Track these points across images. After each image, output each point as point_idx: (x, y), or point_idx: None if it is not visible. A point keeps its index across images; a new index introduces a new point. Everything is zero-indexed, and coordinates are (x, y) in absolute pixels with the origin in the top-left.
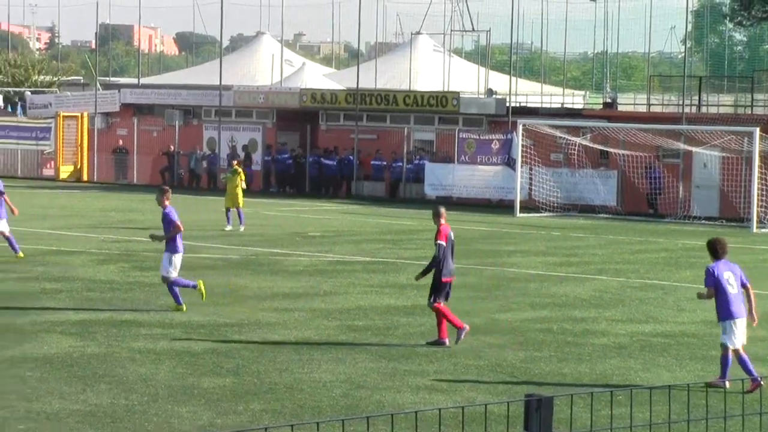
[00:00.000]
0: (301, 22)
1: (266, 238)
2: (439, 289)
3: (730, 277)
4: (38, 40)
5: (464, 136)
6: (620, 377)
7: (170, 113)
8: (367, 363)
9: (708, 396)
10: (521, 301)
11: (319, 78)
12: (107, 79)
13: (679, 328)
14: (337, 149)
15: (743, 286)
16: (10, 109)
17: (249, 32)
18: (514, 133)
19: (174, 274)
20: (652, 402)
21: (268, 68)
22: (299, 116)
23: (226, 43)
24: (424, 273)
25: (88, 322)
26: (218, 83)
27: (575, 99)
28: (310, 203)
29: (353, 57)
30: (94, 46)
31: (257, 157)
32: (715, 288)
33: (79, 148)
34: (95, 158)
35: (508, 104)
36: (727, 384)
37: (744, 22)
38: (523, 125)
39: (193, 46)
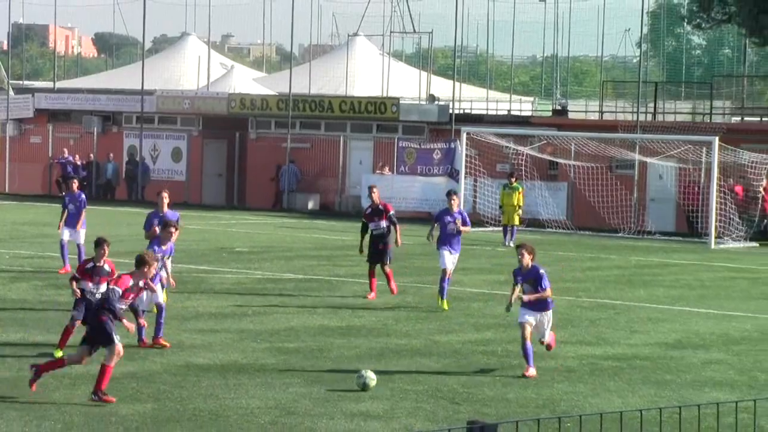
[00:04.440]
0: (229, 22)
1: (189, 254)
2: None
3: None
4: None
5: (404, 144)
6: (568, 403)
7: (88, 119)
8: (298, 388)
9: (662, 424)
10: (464, 321)
11: (248, 82)
12: (20, 83)
13: (632, 350)
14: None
15: None
16: None
17: (173, 33)
18: (458, 141)
19: None
20: (602, 429)
21: (193, 72)
22: (227, 123)
23: (148, 44)
24: None
25: None
26: (140, 87)
27: (523, 106)
28: (239, 215)
29: (285, 60)
30: (5, 47)
31: (181, 166)
32: None
33: None
34: (6, 168)
35: (451, 111)
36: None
37: (703, 25)
38: (467, 134)
39: (113, 48)
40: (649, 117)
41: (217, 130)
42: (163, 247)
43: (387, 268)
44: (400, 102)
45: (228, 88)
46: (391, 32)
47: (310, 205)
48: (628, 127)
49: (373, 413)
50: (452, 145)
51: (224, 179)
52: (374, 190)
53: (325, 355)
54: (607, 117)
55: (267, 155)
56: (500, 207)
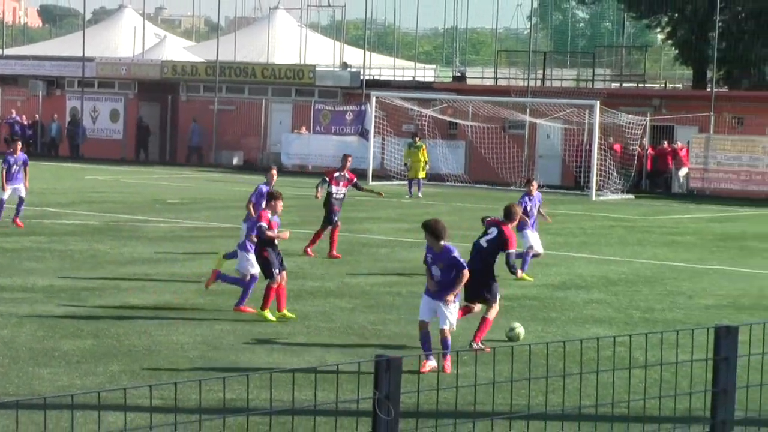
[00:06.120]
0: None
1: (126, 205)
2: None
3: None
4: None
5: (320, 107)
6: (465, 338)
7: (34, 84)
8: (223, 325)
9: (548, 356)
10: (372, 265)
11: (179, 51)
12: None
13: (521, 291)
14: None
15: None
16: None
17: (111, 5)
18: (368, 104)
19: None
20: (495, 361)
21: (129, 41)
22: (160, 87)
23: (88, 15)
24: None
25: None
26: (81, 55)
27: (426, 72)
28: (170, 171)
29: (213, 31)
30: None
31: (119, 126)
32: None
33: None
34: None
35: (362, 77)
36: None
37: (586, 1)
38: (376, 97)
39: (56, 19)
40: (539, 83)
41: (151, 93)
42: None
43: (336, 232)
44: (316, 69)
45: (161, 55)
46: (308, 6)
47: (235, 161)
48: (519, 92)
49: (290, 348)
50: (363, 108)
51: (157, 138)
52: (349, 159)
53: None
54: (501, 83)
55: (196, 116)
56: (405, 164)
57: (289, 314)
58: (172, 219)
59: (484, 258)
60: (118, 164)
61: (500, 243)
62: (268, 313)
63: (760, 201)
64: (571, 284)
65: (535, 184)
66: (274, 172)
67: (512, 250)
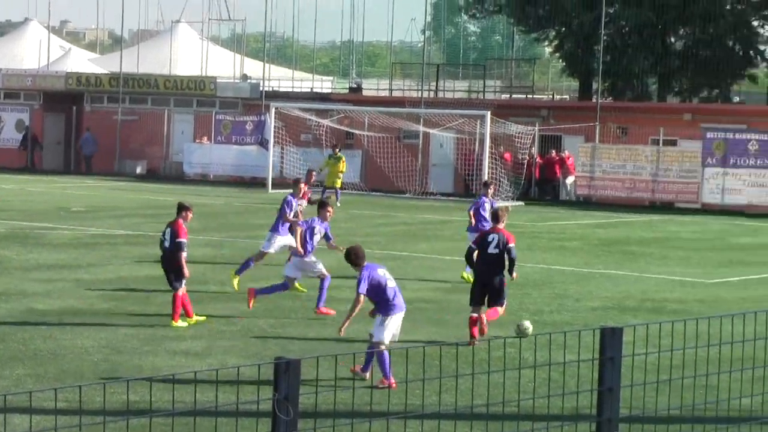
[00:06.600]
0: (66, 8)
1: (31, 213)
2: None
3: (385, 273)
4: None
5: (221, 117)
6: (363, 339)
7: None
8: (127, 329)
9: (441, 357)
10: (270, 271)
11: (84, 62)
12: None
13: (416, 294)
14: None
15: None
16: None
17: (17, 18)
18: (267, 115)
19: None
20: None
21: (35, 53)
22: (65, 98)
23: None
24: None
25: None
26: None
27: (324, 84)
28: (74, 180)
29: (116, 43)
30: None
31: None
32: (379, 288)
33: None
34: None
35: (261, 89)
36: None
37: (477, 15)
38: (276, 108)
39: None
40: (432, 94)
41: (56, 104)
42: (325, 223)
43: None
44: (217, 80)
45: (66, 67)
46: (209, 19)
47: (138, 170)
48: (413, 103)
49: (192, 351)
50: (262, 118)
51: (62, 147)
52: (313, 174)
53: (151, 300)
54: (396, 94)
55: (100, 126)
56: (320, 170)
57: (200, 318)
58: (77, 226)
59: (497, 264)
60: (23, 173)
61: (504, 242)
62: (180, 322)
63: (643, 207)
64: (464, 288)
65: (492, 188)
66: (303, 185)
67: (513, 245)
